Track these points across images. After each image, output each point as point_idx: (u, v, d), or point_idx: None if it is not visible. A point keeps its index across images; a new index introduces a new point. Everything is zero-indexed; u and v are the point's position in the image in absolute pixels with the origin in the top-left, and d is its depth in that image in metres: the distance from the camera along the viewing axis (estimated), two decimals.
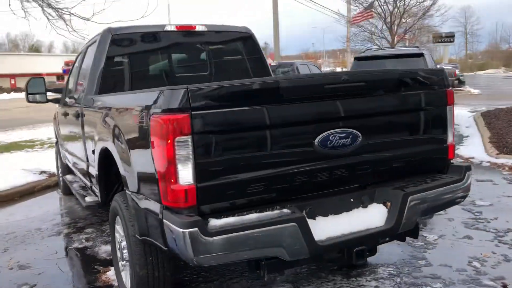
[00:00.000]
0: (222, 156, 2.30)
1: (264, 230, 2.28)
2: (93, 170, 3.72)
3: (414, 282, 3.48)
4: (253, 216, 2.33)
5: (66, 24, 7.83)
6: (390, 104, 2.75)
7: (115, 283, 3.56)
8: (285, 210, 2.41)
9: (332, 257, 2.72)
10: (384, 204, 2.73)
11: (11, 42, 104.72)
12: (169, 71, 4.52)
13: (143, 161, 2.48)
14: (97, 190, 3.72)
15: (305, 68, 12.58)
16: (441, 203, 2.88)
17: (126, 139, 2.72)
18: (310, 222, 2.53)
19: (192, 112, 2.20)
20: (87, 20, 7.73)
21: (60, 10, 7.72)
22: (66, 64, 63.41)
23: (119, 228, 3.08)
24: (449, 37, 38.96)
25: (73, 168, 5.16)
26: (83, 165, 4.25)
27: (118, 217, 3.01)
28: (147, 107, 2.41)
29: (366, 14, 27.39)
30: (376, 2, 26.52)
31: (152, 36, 4.38)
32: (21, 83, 54.61)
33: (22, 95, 5.92)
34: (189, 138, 2.20)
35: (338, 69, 49.52)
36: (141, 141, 2.49)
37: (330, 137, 2.55)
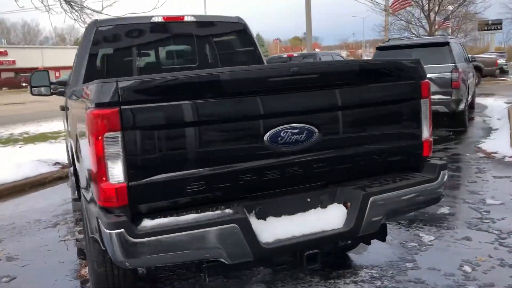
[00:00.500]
0: (156, 153, 2.19)
1: (200, 232, 2.16)
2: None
3: (395, 287, 3.27)
4: (189, 217, 2.21)
5: (81, 17, 7.93)
6: (351, 98, 2.55)
7: None
8: (227, 211, 2.28)
9: (285, 260, 2.56)
10: (345, 204, 2.55)
11: (58, 36, 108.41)
12: (156, 63, 4.44)
13: (86, 158, 2.41)
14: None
15: (328, 58, 12.24)
16: (409, 205, 2.66)
17: (76, 133, 2.65)
18: (259, 223, 2.40)
19: (122, 107, 2.09)
20: (99, 12, 7.80)
21: (73, 4, 7.83)
22: None
23: None
24: (497, 25, 37.13)
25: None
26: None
27: None
28: (90, 101, 2.32)
29: (404, 2, 26.48)
30: None
31: (138, 28, 4.30)
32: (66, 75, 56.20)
33: None
34: (118, 134, 2.10)
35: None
36: (84, 137, 2.41)
37: (281, 133, 2.39)
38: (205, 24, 4.54)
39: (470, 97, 11.08)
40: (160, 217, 2.21)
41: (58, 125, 13.68)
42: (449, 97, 8.93)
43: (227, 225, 2.20)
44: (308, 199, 2.56)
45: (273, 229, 2.40)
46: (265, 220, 2.44)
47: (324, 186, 2.61)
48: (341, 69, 2.56)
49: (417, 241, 4.04)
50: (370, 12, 28.59)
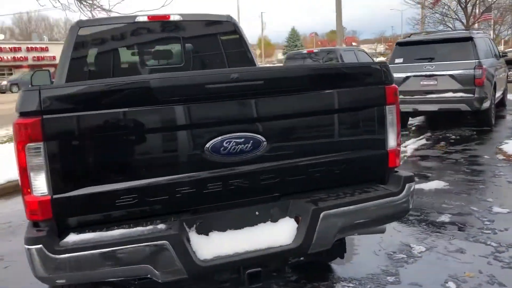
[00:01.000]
0: (82, 165, 2.08)
1: (125, 249, 2.04)
2: None
3: None
4: (115, 233, 2.10)
5: (92, 15, 7.98)
6: (303, 105, 2.37)
7: None
8: (159, 226, 2.15)
9: (227, 277, 2.42)
10: (296, 219, 2.38)
11: None
12: (141, 63, 4.36)
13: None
14: None
15: (350, 55, 11.84)
16: (367, 220, 2.46)
17: None
18: (199, 238, 2.27)
19: (44, 116, 2.00)
20: (109, 11, 7.82)
21: (83, 2, 7.87)
22: None
23: None
24: None
25: None
26: None
27: None
28: (16, 110, 2.24)
29: None
30: None
31: (122, 28, 4.23)
32: None
33: None
34: (41, 145, 2.01)
35: None
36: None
37: (224, 143, 2.24)
38: (192, 23, 4.41)
39: (500, 94, 10.54)
40: (88, 232, 2.11)
41: None
42: (471, 95, 8.50)
43: (157, 242, 2.07)
44: (257, 213, 2.40)
45: (215, 245, 2.26)
46: (207, 235, 2.30)
47: (275, 199, 2.44)
48: (290, 75, 2.37)
49: (406, 252, 3.81)
50: (409, 6, 27.60)
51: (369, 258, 3.76)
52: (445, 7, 25.53)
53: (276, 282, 3.29)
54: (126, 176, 2.14)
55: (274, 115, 2.33)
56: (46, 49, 56.33)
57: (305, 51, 13.09)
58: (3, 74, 47.64)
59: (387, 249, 3.88)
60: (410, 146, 8.12)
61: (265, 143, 2.31)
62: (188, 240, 2.21)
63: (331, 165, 2.46)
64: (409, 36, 10.15)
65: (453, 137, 8.69)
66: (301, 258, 2.57)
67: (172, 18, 4.28)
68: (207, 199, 2.30)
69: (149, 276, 2.13)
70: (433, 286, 3.22)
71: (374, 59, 12.90)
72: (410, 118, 10.44)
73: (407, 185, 2.51)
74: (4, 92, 33.98)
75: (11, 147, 9.56)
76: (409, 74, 9.11)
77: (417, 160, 7.12)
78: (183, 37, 4.42)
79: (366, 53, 13.27)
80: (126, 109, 2.09)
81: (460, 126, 9.59)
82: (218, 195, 2.30)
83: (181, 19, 4.31)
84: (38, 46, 55.55)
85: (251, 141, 2.28)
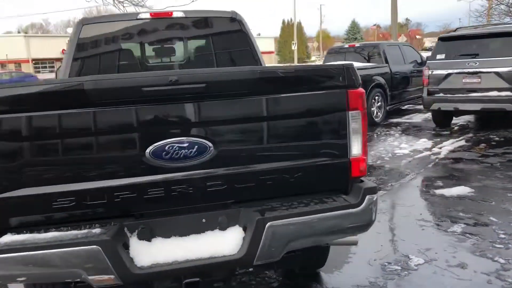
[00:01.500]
0: (18, 166, 2.09)
1: (56, 252, 2.03)
2: None
3: None
4: (49, 235, 2.10)
5: (124, 9, 8.15)
6: (253, 110, 2.25)
7: None
8: (94, 230, 2.13)
9: (168, 286, 2.35)
10: (244, 228, 2.28)
11: None
12: (142, 60, 4.36)
13: None
14: None
15: (395, 50, 11.32)
16: (320, 233, 2.31)
17: None
18: (140, 244, 2.22)
19: None
20: (141, 6, 7.94)
21: None
22: None
23: None
24: None
25: None
26: None
27: None
28: None
29: None
30: None
31: (125, 25, 4.25)
32: None
33: None
34: None
35: None
36: None
37: (167, 148, 2.17)
38: (195, 20, 4.36)
39: None
40: (24, 233, 2.12)
41: None
42: None
43: (88, 247, 2.05)
44: (203, 220, 2.32)
45: (155, 252, 2.20)
46: (149, 241, 2.25)
47: (224, 207, 2.35)
48: (235, 77, 2.25)
49: (402, 264, 3.58)
50: None
51: (360, 268, 3.58)
52: None
53: None
54: (62, 179, 2.13)
55: (221, 120, 2.23)
56: None
57: (346, 45, 12.71)
58: None
59: (383, 260, 3.67)
60: (447, 147, 7.69)
61: (211, 148, 2.22)
62: (127, 246, 2.18)
63: (285, 173, 2.33)
64: (454, 30, 9.58)
65: (496, 139, 8.13)
66: (250, 269, 2.46)
67: (174, 15, 4.25)
68: (150, 205, 2.24)
69: (81, 281, 2.12)
70: None
71: (424, 54, 12.24)
72: (454, 118, 9.90)
73: (367, 197, 2.34)
74: None
75: None
76: (450, 71, 8.61)
77: (448, 163, 6.72)
78: (185, 34, 4.38)
79: (413, 48, 12.66)
80: (62, 111, 2.07)
81: (507, 128, 8.95)
82: (161, 201, 2.24)
83: (184, 16, 4.27)
84: None
85: (196, 146, 2.20)
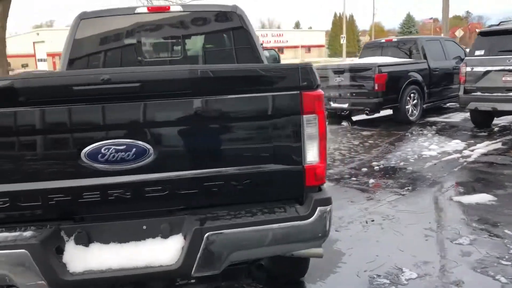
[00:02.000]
0: None
1: None
2: None
3: None
4: None
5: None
6: (194, 112, 2.11)
7: None
8: (25, 233, 2.07)
9: None
10: (186, 237, 2.15)
11: None
12: (138, 55, 4.30)
13: None
14: None
15: (435, 46, 10.70)
16: (266, 245, 2.14)
17: None
18: (76, 248, 2.15)
19: None
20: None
21: None
22: None
23: None
24: None
25: None
26: None
27: None
28: None
29: None
30: None
31: (122, 20, 4.20)
32: None
33: None
34: None
35: None
36: None
37: (103, 150, 2.08)
38: (193, 14, 4.25)
39: None
40: None
41: None
42: None
43: (15, 250, 1.99)
44: (144, 227, 2.21)
45: (90, 258, 2.12)
46: (86, 246, 2.17)
47: (167, 214, 2.23)
48: (173, 77, 2.11)
49: (393, 278, 3.33)
50: None
51: (346, 280, 3.36)
52: None
53: None
54: None
55: (160, 122, 2.11)
56: None
57: (383, 40, 12.21)
58: None
59: (374, 271, 3.43)
60: (479, 150, 7.20)
61: (151, 151, 2.11)
62: (61, 250, 2.11)
63: (232, 180, 2.18)
64: (497, 25, 8.95)
65: None
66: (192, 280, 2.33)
67: (172, 9, 4.17)
68: (87, 209, 2.16)
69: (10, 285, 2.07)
70: None
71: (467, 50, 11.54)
72: (495, 118, 9.28)
73: (318, 209, 2.15)
74: None
75: None
76: (489, 68, 8.05)
77: (477, 167, 6.28)
78: (181, 30, 4.28)
79: (457, 43, 11.98)
80: None
81: None
82: (99, 205, 2.15)
83: (182, 10, 4.17)
84: None
85: (134, 149, 2.09)
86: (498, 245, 3.80)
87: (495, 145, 7.53)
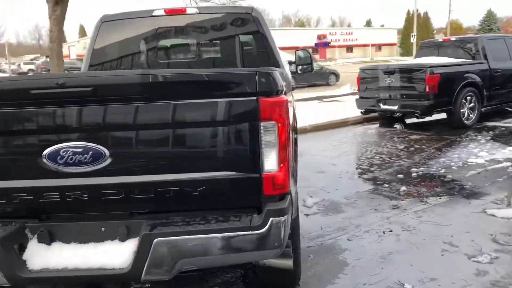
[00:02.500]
0: None
1: None
2: None
3: None
4: None
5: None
6: (147, 116, 2.10)
7: None
8: None
9: None
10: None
11: (285, 17, 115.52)
12: (154, 57, 4.37)
13: None
14: None
15: (498, 45, 9.90)
16: (216, 255, 2.09)
17: None
18: (38, 246, 2.23)
19: None
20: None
21: None
22: (319, 37, 66.58)
23: None
24: None
25: None
26: None
27: None
28: None
29: None
30: None
31: (140, 23, 4.29)
32: None
33: None
34: None
35: None
36: None
37: (61, 152, 2.13)
38: (209, 16, 4.25)
39: None
40: None
41: None
42: None
43: None
44: (103, 229, 2.24)
45: (49, 257, 2.19)
46: (48, 245, 2.23)
47: (126, 217, 2.24)
48: (125, 81, 2.10)
49: None
50: None
51: None
52: None
53: None
54: None
55: (115, 126, 2.13)
56: None
57: (440, 39, 11.57)
58: None
59: (373, 285, 3.27)
60: None
61: (107, 155, 2.13)
62: (23, 248, 2.19)
63: (187, 186, 2.15)
64: None
65: None
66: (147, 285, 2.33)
67: (188, 11, 4.20)
68: (49, 209, 2.23)
69: None
70: None
71: None
72: None
73: (271, 219, 2.07)
74: None
75: None
76: None
77: None
78: (198, 32, 4.30)
79: None
80: None
81: None
82: (59, 206, 2.21)
83: (198, 12, 4.20)
84: None
85: (90, 152, 2.13)
86: None
87: None
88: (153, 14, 4.23)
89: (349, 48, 71.36)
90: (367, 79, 10.14)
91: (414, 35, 38.08)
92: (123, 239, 2.22)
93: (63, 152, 2.13)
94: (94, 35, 4.29)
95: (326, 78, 24.12)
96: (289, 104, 2.81)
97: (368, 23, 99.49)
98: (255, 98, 2.08)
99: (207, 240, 2.07)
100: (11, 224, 2.23)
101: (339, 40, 69.13)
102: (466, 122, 9.36)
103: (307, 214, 4.79)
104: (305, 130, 9.71)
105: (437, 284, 3.23)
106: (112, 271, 2.11)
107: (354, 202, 5.14)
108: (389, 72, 9.57)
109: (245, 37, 4.27)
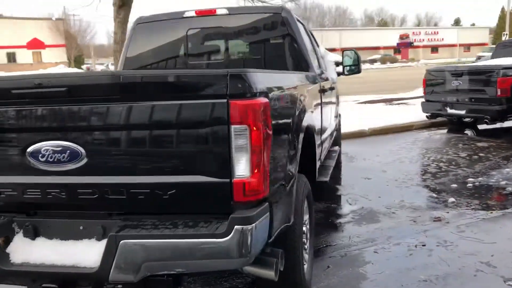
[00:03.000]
0: None
1: None
2: None
3: None
4: None
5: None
6: (116, 117, 2.08)
7: None
8: None
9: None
10: None
11: (367, 17, 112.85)
12: (185, 57, 4.39)
13: None
14: None
15: None
16: (182, 261, 2.03)
17: None
18: (22, 241, 2.31)
19: None
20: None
21: None
22: (401, 37, 64.16)
23: None
24: None
25: None
26: None
27: None
28: None
29: None
30: None
31: (172, 23, 4.34)
32: (361, 56, 58.57)
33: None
34: None
35: None
36: None
37: (42, 150, 2.20)
38: (239, 17, 4.21)
39: None
40: None
41: None
42: None
43: None
44: (81, 227, 2.26)
45: (33, 251, 2.25)
46: (33, 239, 2.31)
47: (105, 217, 2.25)
48: (94, 82, 2.10)
49: None
50: None
51: None
52: None
53: None
54: None
55: (88, 126, 2.14)
56: None
57: None
58: None
59: None
60: None
61: (83, 155, 2.16)
62: (8, 241, 2.28)
63: (157, 189, 2.12)
64: None
65: None
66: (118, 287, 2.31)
67: (218, 12, 4.19)
68: (33, 205, 2.31)
69: None
70: None
71: None
72: None
73: (235, 228, 1.97)
74: None
75: None
76: None
77: None
78: (227, 32, 4.27)
79: None
80: None
81: None
82: (42, 202, 2.28)
83: (227, 13, 4.17)
84: None
85: (68, 151, 2.17)
86: None
87: None
88: (184, 15, 4.27)
89: (434, 49, 68.11)
90: (433, 82, 9.58)
91: (506, 34, 35.49)
92: (99, 238, 2.23)
93: (44, 150, 2.19)
94: (129, 36, 4.42)
95: None
96: (293, 105, 2.70)
97: (457, 22, 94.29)
98: (225, 100, 2.00)
99: (171, 245, 2.02)
100: (0, 217, 2.33)
101: (423, 40, 66.24)
102: None
103: (339, 223, 4.59)
104: (363, 134, 9.38)
105: None
106: (84, 270, 2.13)
107: (393, 212, 4.85)
108: (457, 74, 8.96)
109: (274, 37, 4.17)
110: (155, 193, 2.13)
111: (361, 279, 3.39)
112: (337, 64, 5.98)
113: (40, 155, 2.20)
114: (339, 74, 6.07)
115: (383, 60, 54.17)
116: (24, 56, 56.16)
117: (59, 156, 2.18)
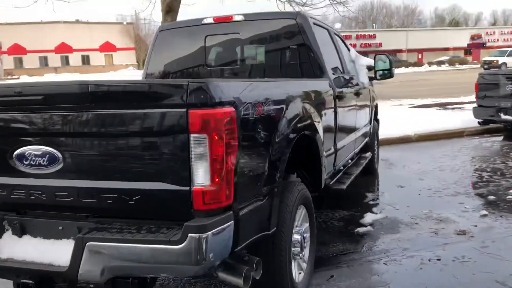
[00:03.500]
0: None
1: None
2: None
3: None
4: None
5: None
6: (88, 125, 2.17)
7: None
8: None
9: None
10: None
11: (438, 16, 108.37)
12: (202, 64, 4.45)
13: None
14: None
15: None
16: (138, 264, 2.08)
17: None
18: (10, 238, 2.48)
19: None
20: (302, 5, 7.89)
21: None
22: (472, 38, 60.96)
23: None
24: None
25: None
26: None
27: None
28: None
29: None
30: None
31: (192, 30, 4.42)
32: (428, 58, 56.75)
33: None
34: None
35: None
36: None
37: (26, 154, 2.35)
38: (255, 23, 4.22)
39: None
40: None
41: None
42: None
43: None
44: (60, 228, 2.39)
45: (18, 248, 2.41)
46: (20, 237, 2.46)
47: (81, 218, 2.36)
48: (66, 90, 2.20)
49: None
50: None
51: None
52: None
53: None
54: None
55: (62, 132, 2.27)
56: (373, 37, 59.13)
57: None
58: None
59: None
60: None
61: (60, 159, 2.29)
62: None
63: (123, 194, 2.21)
64: None
65: None
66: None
67: (235, 18, 4.23)
68: (20, 205, 2.47)
69: None
70: None
71: None
72: None
73: (189, 236, 2.00)
74: None
75: None
76: None
77: None
78: (243, 39, 4.29)
79: None
80: None
81: None
82: (25, 203, 2.43)
83: (244, 19, 4.21)
84: (366, 33, 58.91)
85: (47, 156, 2.31)
86: None
87: None
88: (203, 22, 4.35)
89: (505, 52, 64.14)
90: (486, 86, 9.07)
91: None
92: (75, 239, 2.35)
93: (27, 154, 2.34)
94: (152, 43, 4.57)
95: None
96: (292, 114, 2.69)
97: None
98: (185, 110, 2.04)
99: (128, 249, 2.09)
100: None
101: (497, 40, 62.55)
102: None
103: (357, 232, 4.48)
104: (408, 140, 9.07)
105: None
106: (58, 268, 2.25)
107: (417, 223, 4.66)
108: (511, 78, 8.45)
109: (289, 43, 4.15)
110: (122, 198, 2.21)
111: None
112: (370, 68, 5.85)
113: (24, 158, 2.35)
114: (371, 78, 5.92)
115: (451, 62, 51.83)
116: (97, 59, 59.41)
117: (40, 160, 2.32)
